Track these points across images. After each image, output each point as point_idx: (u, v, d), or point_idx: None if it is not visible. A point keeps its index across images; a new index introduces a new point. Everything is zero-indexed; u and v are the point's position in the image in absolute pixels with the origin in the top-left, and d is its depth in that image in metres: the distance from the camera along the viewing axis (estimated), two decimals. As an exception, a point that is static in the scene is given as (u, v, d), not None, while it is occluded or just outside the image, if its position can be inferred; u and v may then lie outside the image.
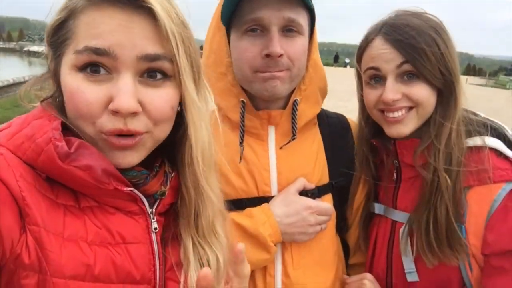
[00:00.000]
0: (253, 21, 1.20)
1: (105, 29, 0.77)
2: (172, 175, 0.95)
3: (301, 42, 1.26)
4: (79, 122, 0.81)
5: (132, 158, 0.85)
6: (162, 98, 0.84)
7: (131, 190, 0.84)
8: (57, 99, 0.89)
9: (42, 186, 0.78)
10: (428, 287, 1.29)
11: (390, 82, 1.24)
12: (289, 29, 1.22)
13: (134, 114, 0.79)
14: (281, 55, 1.20)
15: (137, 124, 0.81)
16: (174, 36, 0.80)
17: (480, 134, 1.25)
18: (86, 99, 0.77)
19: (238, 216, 1.30)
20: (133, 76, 0.80)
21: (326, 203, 1.39)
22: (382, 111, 1.30)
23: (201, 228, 0.96)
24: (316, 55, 1.38)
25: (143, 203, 0.89)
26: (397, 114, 1.26)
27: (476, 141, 1.24)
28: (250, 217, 1.30)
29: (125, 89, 0.77)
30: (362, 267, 1.54)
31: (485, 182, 1.18)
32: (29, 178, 0.76)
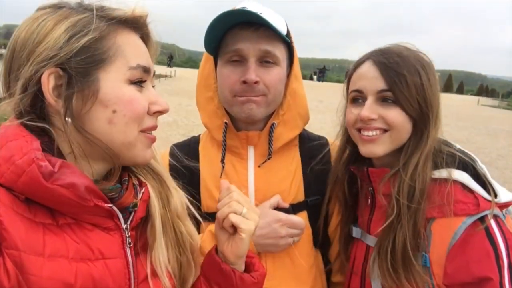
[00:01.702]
0: (234, 52, 1.37)
1: (142, 50, 0.95)
2: (142, 190, 1.00)
3: (277, 71, 1.40)
4: (128, 128, 0.91)
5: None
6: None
7: (110, 207, 0.89)
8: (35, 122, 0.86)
9: (20, 208, 0.78)
10: None
11: (369, 102, 1.32)
12: (266, 60, 1.38)
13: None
14: (256, 82, 1.35)
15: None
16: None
17: (447, 166, 1.28)
18: (142, 104, 0.92)
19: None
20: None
21: (297, 217, 1.47)
22: (359, 130, 1.36)
23: (170, 221, 1.06)
24: (296, 84, 1.51)
25: (119, 219, 0.93)
26: (371, 133, 1.32)
27: (442, 173, 1.27)
28: None
29: (157, 94, 0.98)
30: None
31: (447, 215, 1.21)
32: (6, 201, 0.76)
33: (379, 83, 1.29)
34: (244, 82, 1.35)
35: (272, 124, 1.47)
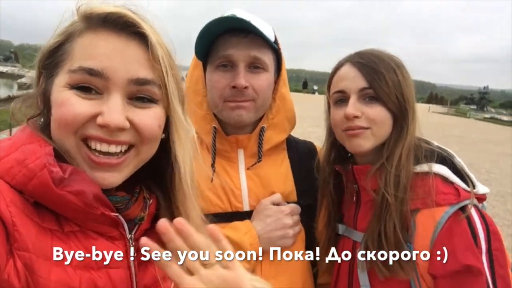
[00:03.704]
0: (224, 58, 1.38)
1: (100, 51, 0.81)
2: (150, 202, 0.97)
3: (265, 77, 1.42)
4: (61, 133, 0.82)
5: (115, 178, 0.86)
6: (150, 116, 0.87)
7: (116, 216, 0.87)
8: (42, 119, 0.91)
9: (30, 211, 0.78)
10: None
11: (352, 100, 1.38)
12: (255, 66, 1.40)
13: (121, 129, 0.82)
14: (246, 87, 1.38)
15: (125, 136, 0.84)
16: (164, 62, 0.86)
17: (427, 161, 1.34)
18: (74, 110, 0.80)
19: (224, 229, 1.40)
20: (122, 97, 0.83)
21: (292, 204, 1.51)
22: (345, 131, 1.42)
23: None
24: (285, 89, 1.55)
25: (124, 229, 0.90)
26: (357, 130, 1.38)
27: (423, 167, 1.33)
28: (234, 230, 1.43)
29: (115, 107, 0.81)
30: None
31: (430, 206, 1.27)
32: (18, 203, 0.75)
33: (360, 82, 1.37)
34: (234, 87, 1.37)
35: (262, 128, 1.50)
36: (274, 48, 1.45)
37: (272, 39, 1.41)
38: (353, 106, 1.37)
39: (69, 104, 0.80)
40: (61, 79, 0.83)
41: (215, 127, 1.49)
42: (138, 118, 0.85)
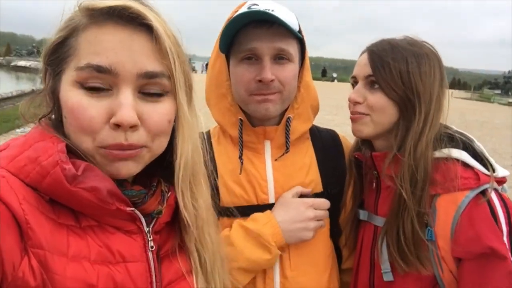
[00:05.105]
0: (248, 51, 1.35)
1: (107, 46, 0.80)
2: (168, 195, 0.97)
3: (291, 68, 1.40)
4: (77, 137, 0.82)
5: (132, 167, 0.86)
6: (159, 112, 0.87)
7: (132, 210, 0.87)
8: (53, 116, 0.91)
9: (45, 208, 0.78)
10: (404, 287, 1.37)
11: (358, 86, 1.44)
12: (280, 57, 1.37)
13: (134, 127, 0.82)
14: (272, 80, 1.36)
15: (136, 138, 0.83)
16: (172, 53, 0.85)
17: (447, 146, 1.35)
18: (89, 114, 0.79)
19: (244, 221, 1.44)
20: (132, 92, 0.82)
21: (321, 198, 1.50)
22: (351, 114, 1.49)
23: (196, 235, 1.01)
24: (308, 77, 1.53)
25: (141, 223, 0.90)
26: (356, 115, 1.44)
27: (442, 153, 1.33)
28: (254, 220, 1.43)
29: (126, 103, 0.80)
30: None
31: (451, 190, 1.28)
32: (32, 200, 0.76)
33: (367, 69, 1.40)
34: (260, 81, 1.35)
35: (288, 118, 1.49)
36: (298, 37, 1.41)
37: (296, 28, 1.37)
38: (356, 92, 1.43)
39: (81, 107, 0.80)
40: (68, 77, 0.82)
41: (241, 119, 1.48)
42: (148, 114, 0.85)
